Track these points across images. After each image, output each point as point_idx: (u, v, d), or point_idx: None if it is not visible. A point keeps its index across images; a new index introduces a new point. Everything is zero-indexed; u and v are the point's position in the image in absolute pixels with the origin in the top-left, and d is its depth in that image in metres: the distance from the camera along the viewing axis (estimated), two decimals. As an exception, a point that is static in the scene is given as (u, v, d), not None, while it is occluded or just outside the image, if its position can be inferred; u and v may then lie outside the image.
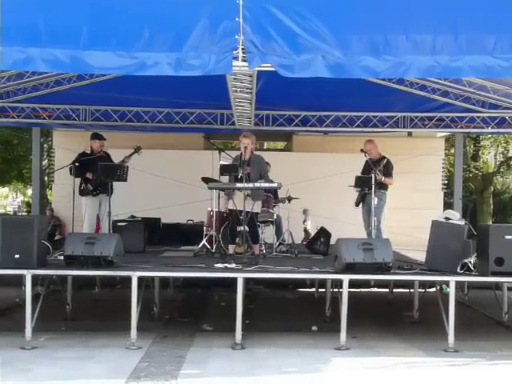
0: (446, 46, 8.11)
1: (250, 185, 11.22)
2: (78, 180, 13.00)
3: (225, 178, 12.04)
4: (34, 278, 9.32)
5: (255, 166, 11.71)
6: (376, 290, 14.21)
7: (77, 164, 12.90)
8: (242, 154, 11.74)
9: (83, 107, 15.99)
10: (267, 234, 13.20)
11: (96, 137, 13.34)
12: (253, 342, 9.33)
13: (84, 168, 12.90)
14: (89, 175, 12.85)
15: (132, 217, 14.16)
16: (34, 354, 8.67)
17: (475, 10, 8.11)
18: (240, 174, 11.21)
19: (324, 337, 9.72)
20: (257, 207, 11.77)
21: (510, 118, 15.76)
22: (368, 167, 13.06)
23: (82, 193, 12.95)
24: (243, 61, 8.23)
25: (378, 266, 9.46)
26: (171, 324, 10.68)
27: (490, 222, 25.26)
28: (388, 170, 13.31)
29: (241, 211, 11.11)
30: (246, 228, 11.08)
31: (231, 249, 11.75)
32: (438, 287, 10.29)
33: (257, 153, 12.32)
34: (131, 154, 12.90)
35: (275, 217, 13.48)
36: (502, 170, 29.76)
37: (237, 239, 11.51)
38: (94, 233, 12.49)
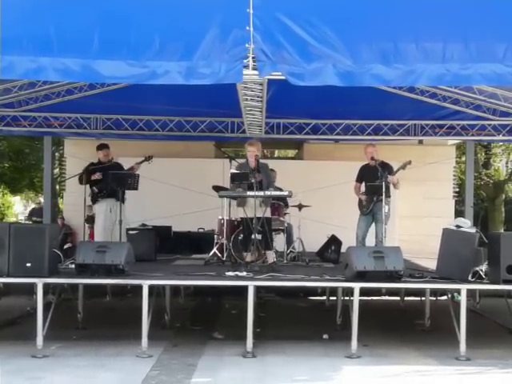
0: (457, 54, 8.12)
1: (261, 193, 11.23)
2: (89, 189, 12.97)
3: (232, 187, 12.00)
4: (46, 287, 9.34)
5: (263, 173, 11.70)
6: (387, 298, 14.17)
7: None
8: (247, 161, 11.72)
9: (94, 116, 16.05)
10: (278, 242, 13.19)
11: (99, 147, 13.26)
12: (264, 350, 9.32)
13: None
14: (93, 176, 12.77)
15: (143, 225, 14.20)
16: (46, 363, 8.68)
17: (485, 19, 8.11)
18: (254, 182, 11.20)
19: (335, 345, 9.70)
20: (268, 213, 11.75)
21: (521, 125, 15.75)
22: (371, 173, 12.69)
23: (92, 199, 12.93)
24: (253, 69, 8.24)
25: (389, 274, 9.46)
26: (182, 332, 10.68)
27: (502, 230, 25.17)
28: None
29: (253, 219, 11.08)
30: (258, 236, 11.08)
31: (248, 257, 11.62)
32: (450, 295, 10.26)
33: (262, 161, 12.28)
34: (141, 162, 12.84)
35: (286, 225, 13.49)
36: (513, 177, 29.66)
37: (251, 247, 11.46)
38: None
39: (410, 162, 12.51)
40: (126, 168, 12.99)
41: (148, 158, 12.89)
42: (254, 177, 11.24)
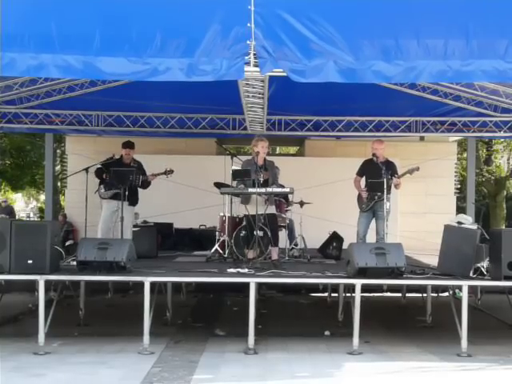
0: (458, 51, 8.10)
1: (263, 190, 11.20)
2: (91, 186, 12.93)
3: (237, 184, 11.96)
4: (47, 284, 9.35)
5: (270, 170, 11.66)
6: (389, 294, 14.17)
7: (100, 166, 12.81)
8: (254, 158, 11.64)
9: (96, 113, 16.05)
10: (280, 238, 13.17)
11: (123, 145, 13.16)
12: (265, 346, 9.33)
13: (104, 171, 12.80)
14: (104, 176, 12.77)
15: (145, 222, 14.20)
16: (47, 360, 8.68)
17: (487, 15, 8.10)
18: (261, 179, 11.18)
19: (337, 341, 9.71)
20: (272, 210, 11.74)
21: (522, 121, 15.75)
22: (373, 170, 12.51)
23: (100, 195, 12.91)
24: (255, 66, 8.25)
25: (391, 271, 9.44)
26: (184, 329, 10.68)
27: (503, 227, 25.19)
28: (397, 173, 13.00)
29: (259, 215, 11.05)
30: (260, 233, 11.07)
31: (250, 254, 11.56)
32: (451, 292, 10.26)
33: (268, 158, 12.25)
34: (159, 174, 12.88)
35: (288, 221, 13.48)
36: (514, 174, 29.64)
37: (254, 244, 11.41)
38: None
39: (418, 169, 12.38)
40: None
41: (168, 172, 12.89)
42: (263, 174, 11.21)
